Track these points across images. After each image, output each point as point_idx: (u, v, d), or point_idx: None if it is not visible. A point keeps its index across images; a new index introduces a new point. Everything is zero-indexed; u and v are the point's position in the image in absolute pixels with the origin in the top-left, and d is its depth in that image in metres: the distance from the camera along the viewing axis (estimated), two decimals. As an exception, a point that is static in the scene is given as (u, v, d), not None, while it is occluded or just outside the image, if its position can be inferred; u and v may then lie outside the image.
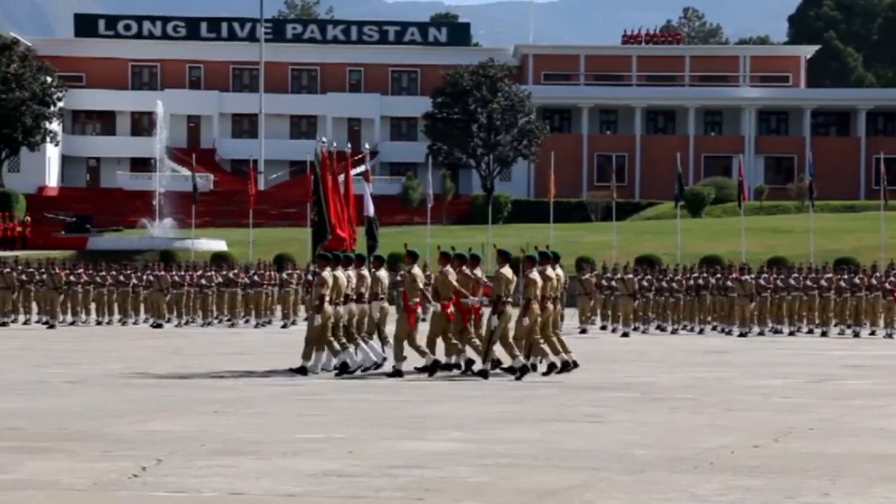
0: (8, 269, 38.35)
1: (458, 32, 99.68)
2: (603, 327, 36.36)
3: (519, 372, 19.66)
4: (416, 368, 20.31)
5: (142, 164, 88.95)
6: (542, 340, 20.35)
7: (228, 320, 38.02)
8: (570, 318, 36.85)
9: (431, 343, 20.37)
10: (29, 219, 73.94)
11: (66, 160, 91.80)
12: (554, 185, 57.24)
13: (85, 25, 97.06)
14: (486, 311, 20.67)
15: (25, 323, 37.41)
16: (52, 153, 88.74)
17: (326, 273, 20.25)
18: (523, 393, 17.74)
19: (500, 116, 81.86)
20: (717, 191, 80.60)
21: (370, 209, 25.13)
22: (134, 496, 9.63)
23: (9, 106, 77.35)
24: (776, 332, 35.51)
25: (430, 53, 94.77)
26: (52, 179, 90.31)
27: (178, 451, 11.70)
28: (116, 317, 38.27)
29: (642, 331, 35.56)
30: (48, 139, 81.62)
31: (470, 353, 20.44)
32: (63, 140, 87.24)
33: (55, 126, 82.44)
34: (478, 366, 20.10)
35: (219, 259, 55.60)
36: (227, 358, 23.86)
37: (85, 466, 10.79)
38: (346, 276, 20.60)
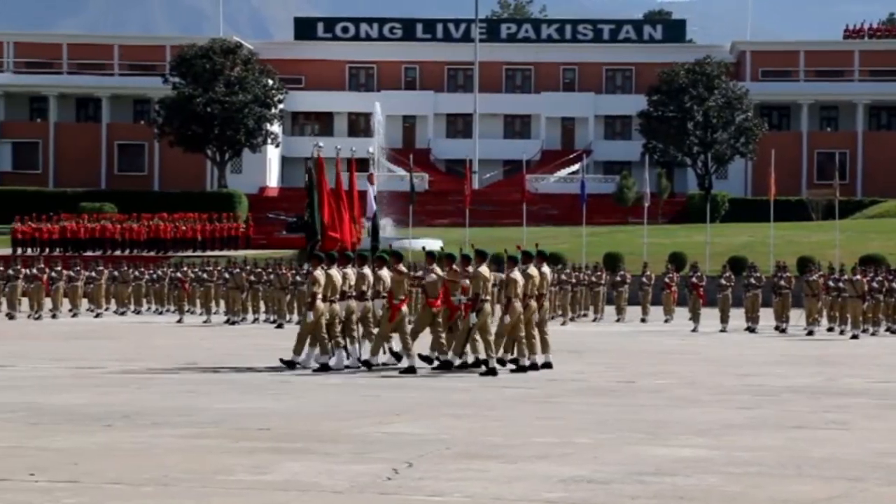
0: (237, 270, 39.37)
1: (674, 30, 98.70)
2: (830, 329, 35.55)
3: (488, 371, 20.24)
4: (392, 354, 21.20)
5: (358, 165, 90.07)
6: (524, 339, 20.80)
7: (449, 319, 38.27)
8: (797, 318, 36.19)
9: (413, 336, 20.98)
10: (251, 218, 75.71)
11: (285, 161, 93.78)
12: (774, 183, 56.27)
13: (304, 28, 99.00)
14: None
15: (254, 322, 38.32)
16: (273, 154, 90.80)
17: (318, 272, 20.84)
18: (761, 398, 17.46)
19: (717, 114, 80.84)
20: (945, 188, 78.21)
21: (372, 209, 26.04)
22: (392, 499, 9.77)
23: (232, 108, 79.44)
24: None
25: (644, 51, 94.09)
26: (273, 180, 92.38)
27: (427, 454, 11.82)
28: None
29: (871, 333, 34.64)
30: (269, 140, 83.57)
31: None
32: (283, 141, 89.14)
33: (275, 128, 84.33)
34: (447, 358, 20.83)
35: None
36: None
37: (340, 468, 10.98)
38: (341, 274, 21.10)
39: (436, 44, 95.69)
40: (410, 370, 20.49)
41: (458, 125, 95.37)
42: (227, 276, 39.54)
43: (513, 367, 20.95)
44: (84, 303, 42.92)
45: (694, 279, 38.06)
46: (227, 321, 37.66)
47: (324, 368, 20.68)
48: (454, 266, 21.28)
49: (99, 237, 66.99)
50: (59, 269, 42.85)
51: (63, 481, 10.21)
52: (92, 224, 67.71)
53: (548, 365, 21.25)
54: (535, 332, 21.05)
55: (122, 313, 42.90)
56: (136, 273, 44.29)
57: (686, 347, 29.33)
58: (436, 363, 20.97)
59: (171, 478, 10.40)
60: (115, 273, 44.02)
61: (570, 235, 65.86)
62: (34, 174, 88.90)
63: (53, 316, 40.25)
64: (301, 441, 12.63)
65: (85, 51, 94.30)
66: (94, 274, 43.37)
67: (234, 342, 29.24)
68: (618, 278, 43.05)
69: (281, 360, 21.22)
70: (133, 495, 9.75)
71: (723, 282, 37.19)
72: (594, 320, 41.66)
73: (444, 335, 21.02)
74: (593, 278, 42.80)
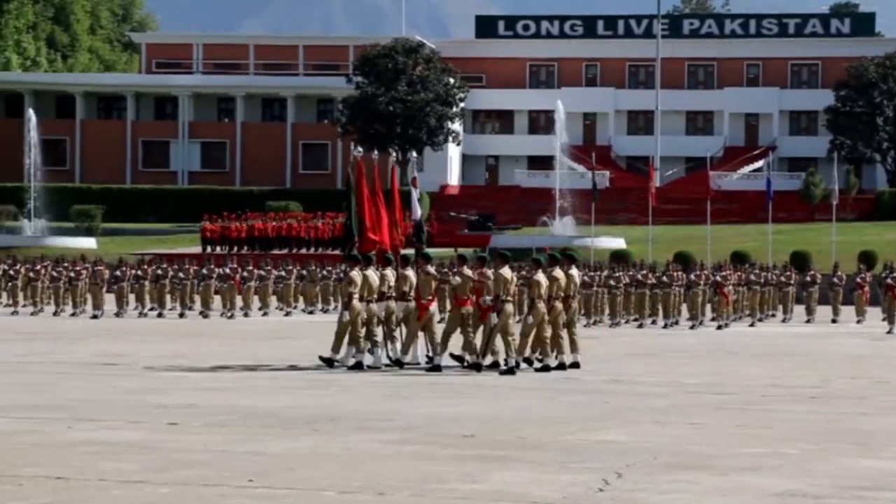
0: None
1: (862, 23, 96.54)
2: None
3: (507, 371, 20.63)
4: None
5: (538, 162, 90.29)
6: (549, 339, 21.08)
7: (635, 319, 38.09)
8: None
9: (445, 339, 21.29)
10: (433, 216, 76.19)
11: (466, 159, 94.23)
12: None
13: (485, 27, 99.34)
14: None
15: (440, 321, 38.43)
16: (454, 152, 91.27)
17: (354, 273, 21.40)
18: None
19: (907, 109, 78.95)
20: None
21: (417, 213, 26.38)
22: (607, 512, 9.73)
23: (415, 107, 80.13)
24: None
25: (831, 45, 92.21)
26: (454, 178, 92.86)
27: (634, 464, 11.73)
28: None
29: None
30: (450, 139, 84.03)
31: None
32: (464, 139, 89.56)
33: (457, 126, 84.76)
34: (473, 359, 21.23)
35: (618, 257, 55.72)
36: (639, 360, 23.76)
37: (549, 478, 10.95)
38: (379, 275, 21.59)
39: (617, 40, 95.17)
40: (436, 368, 20.97)
41: (639, 122, 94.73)
42: (413, 275, 39.76)
43: (538, 366, 21.24)
44: (273, 301, 43.65)
45: (889, 280, 37.16)
46: (415, 320, 37.87)
47: (358, 366, 21.09)
48: (485, 268, 21.74)
49: (285, 236, 68.10)
50: (250, 268, 43.63)
51: (281, 488, 10.37)
52: (278, 223, 68.87)
53: (576, 365, 21.56)
54: (563, 333, 21.56)
55: (311, 312, 43.53)
56: (324, 272, 44.88)
57: (883, 350, 28.67)
58: (466, 363, 21.38)
59: (384, 486, 10.48)
60: (304, 272, 44.67)
61: (755, 233, 64.97)
62: (222, 173, 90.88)
63: (245, 314, 41.01)
64: (506, 448, 12.63)
65: (270, 51, 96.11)
66: (283, 273, 44.09)
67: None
68: (807, 278, 42.30)
69: (320, 357, 21.63)
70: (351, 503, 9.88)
71: (918, 283, 36.24)
72: (783, 321, 40.97)
73: (474, 336, 21.44)
74: (782, 278, 42.09)
